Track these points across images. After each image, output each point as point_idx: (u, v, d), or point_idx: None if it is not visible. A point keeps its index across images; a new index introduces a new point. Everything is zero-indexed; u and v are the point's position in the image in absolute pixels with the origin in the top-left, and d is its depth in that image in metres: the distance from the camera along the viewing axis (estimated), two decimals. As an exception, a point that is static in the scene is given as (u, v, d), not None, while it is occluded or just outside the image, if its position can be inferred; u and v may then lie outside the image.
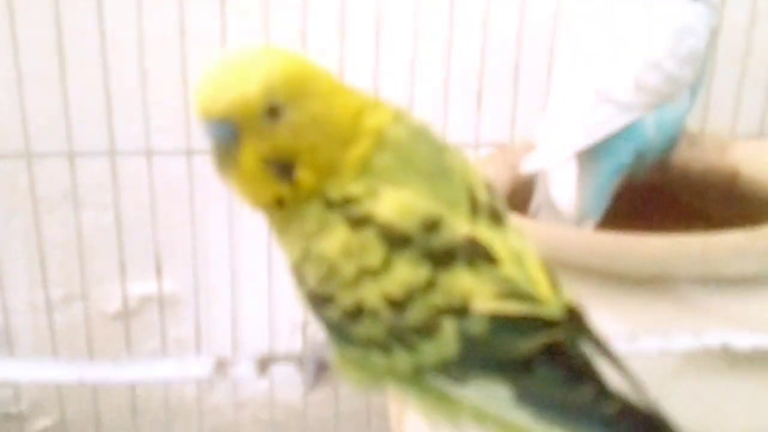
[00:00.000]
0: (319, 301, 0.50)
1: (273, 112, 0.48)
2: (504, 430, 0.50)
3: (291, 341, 1.09)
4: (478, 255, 0.48)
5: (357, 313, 0.49)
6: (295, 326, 1.06)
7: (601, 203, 0.88)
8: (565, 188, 0.84)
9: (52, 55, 0.90)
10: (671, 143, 0.89)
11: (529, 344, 0.47)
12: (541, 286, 0.49)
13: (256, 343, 1.09)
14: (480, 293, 0.47)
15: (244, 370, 0.59)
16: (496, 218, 0.51)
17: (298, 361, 0.58)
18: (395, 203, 0.48)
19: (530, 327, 0.48)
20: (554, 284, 0.51)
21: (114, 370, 0.58)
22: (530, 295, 0.48)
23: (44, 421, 1.10)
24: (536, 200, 0.88)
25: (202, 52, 0.94)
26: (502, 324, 0.47)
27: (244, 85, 0.47)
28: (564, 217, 0.85)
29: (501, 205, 0.53)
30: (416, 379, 0.50)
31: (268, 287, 1.02)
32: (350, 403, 1.11)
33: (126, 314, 1.03)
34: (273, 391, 1.10)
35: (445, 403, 0.51)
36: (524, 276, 0.49)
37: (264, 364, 0.59)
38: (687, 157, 0.91)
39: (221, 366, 0.59)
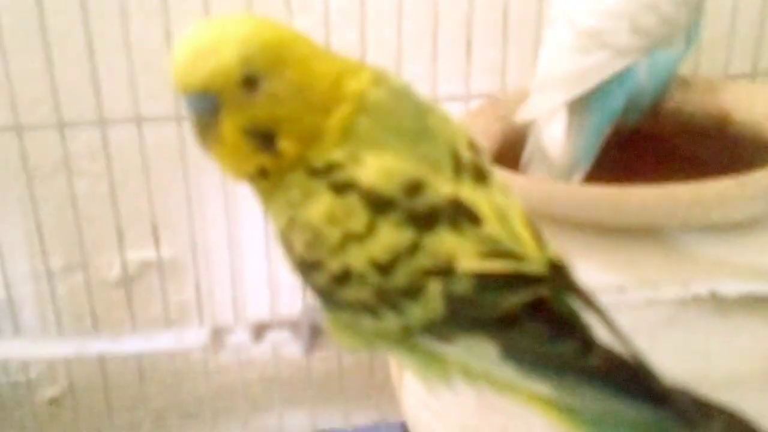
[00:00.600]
0: (307, 267, 0.51)
1: (251, 82, 0.48)
2: (492, 386, 0.52)
3: (292, 300, 1.10)
4: (461, 215, 0.48)
5: (344, 277, 0.49)
6: (296, 286, 1.06)
7: (592, 151, 0.87)
8: (555, 136, 0.84)
9: (34, 26, 0.89)
10: (664, 89, 0.88)
11: (513, 301, 0.48)
12: (526, 243, 0.50)
13: (257, 304, 1.10)
14: (464, 253, 0.48)
15: (240, 337, 0.59)
16: (480, 176, 0.51)
17: (294, 326, 0.59)
18: (377, 168, 0.48)
19: (514, 284, 0.48)
20: (539, 240, 0.51)
21: (112, 343, 0.59)
22: (514, 253, 0.49)
23: (53, 389, 1.12)
24: (528, 149, 0.88)
25: (186, 15, 0.93)
26: (487, 282, 0.48)
27: (220, 56, 0.47)
28: (555, 165, 0.85)
29: (485, 163, 0.53)
30: (405, 339, 0.51)
31: (266, 248, 1.03)
32: (353, 358, 1.13)
33: (126, 281, 1.04)
34: (277, 349, 1.12)
35: (434, 362, 0.52)
36: (508, 233, 0.49)
37: (259, 331, 0.59)
38: (678, 100, 0.90)
39: (217, 334, 0.60)
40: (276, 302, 1.07)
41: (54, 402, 1.11)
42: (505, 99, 0.91)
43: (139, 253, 1.05)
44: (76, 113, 0.94)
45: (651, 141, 0.93)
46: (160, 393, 1.13)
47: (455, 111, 1.01)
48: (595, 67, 0.83)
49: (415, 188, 0.48)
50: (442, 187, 0.49)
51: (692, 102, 0.89)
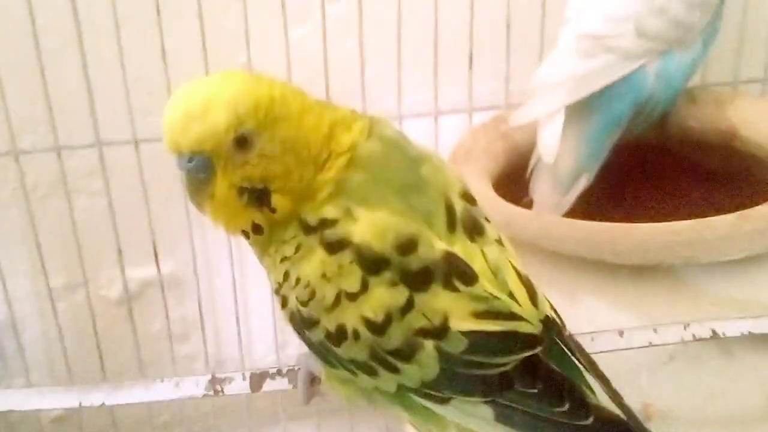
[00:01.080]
0: (302, 323, 0.50)
1: (242, 141, 0.47)
2: None
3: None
4: (455, 273, 0.48)
5: (339, 335, 0.49)
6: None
7: (596, 158, 0.85)
8: (549, 140, 0.81)
9: (29, 51, 0.88)
10: (675, 95, 0.86)
11: (506, 361, 0.48)
12: (519, 298, 0.49)
13: (260, 316, 1.09)
14: (458, 313, 0.47)
15: (237, 386, 0.59)
16: (474, 228, 0.50)
17: (291, 374, 0.59)
18: (371, 224, 0.47)
19: (508, 344, 0.48)
20: (533, 295, 0.51)
21: (112, 395, 0.59)
22: (508, 312, 0.48)
23: (58, 408, 1.12)
24: (534, 158, 0.86)
25: (180, 33, 0.91)
26: (481, 342, 0.47)
27: (211, 118, 0.46)
28: (556, 171, 0.83)
29: (479, 213, 0.52)
30: (402, 397, 0.51)
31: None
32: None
33: (128, 298, 1.03)
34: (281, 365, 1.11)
35: (431, 419, 0.52)
36: (502, 290, 0.49)
37: (257, 381, 0.59)
38: (685, 114, 0.88)
39: (215, 383, 0.59)
40: (280, 314, 1.06)
41: (58, 419, 1.11)
42: (506, 117, 0.89)
43: (140, 269, 1.05)
44: (73, 136, 0.93)
45: (660, 152, 0.92)
46: (165, 409, 1.13)
47: (459, 124, 1.00)
48: (598, 71, 0.80)
49: (408, 246, 0.47)
50: (436, 243, 0.48)
51: (699, 116, 0.87)
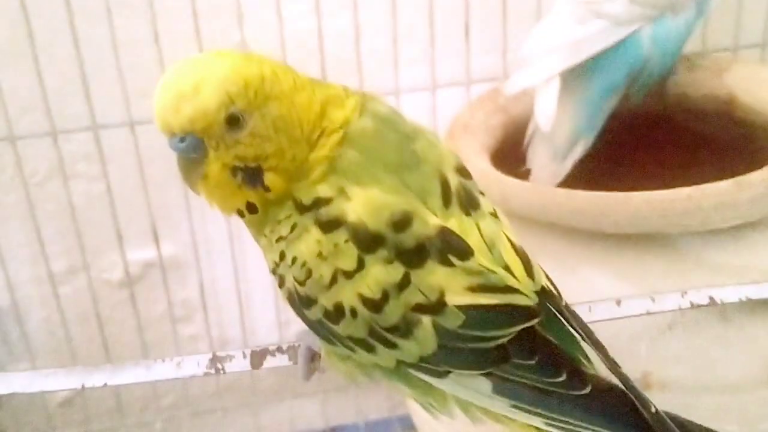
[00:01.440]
0: (299, 302, 0.50)
1: (234, 120, 0.47)
2: (487, 416, 0.52)
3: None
4: (450, 248, 0.47)
5: (337, 313, 0.49)
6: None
7: (593, 124, 0.85)
8: (546, 107, 0.81)
9: (23, 34, 0.88)
10: (672, 60, 0.85)
11: (503, 334, 0.48)
12: (515, 272, 0.49)
13: (262, 295, 1.09)
14: (453, 288, 0.47)
15: (238, 364, 0.59)
16: (469, 202, 0.50)
17: (291, 351, 0.59)
18: (365, 202, 0.47)
19: (504, 317, 0.48)
20: (528, 267, 0.50)
21: (112, 375, 0.59)
22: (503, 285, 0.48)
23: (64, 390, 1.12)
24: (530, 127, 0.86)
25: (172, 13, 0.90)
26: (477, 316, 0.47)
27: (201, 98, 0.46)
28: (552, 139, 0.83)
29: (474, 187, 0.52)
30: (401, 372, 0.51)
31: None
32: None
33: (130, 281, 1.03)
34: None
35: (431, 392, 0.52)
36: (498, 263, 0.49)
37: (258, 358, 0.59)
38: (684, 81, 0.87)
39: (216, 362, 0.59)
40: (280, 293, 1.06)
41: (65, 403, 1.11)
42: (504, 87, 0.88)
43: (141, 252, 1.05)
44: (69, 120, 0.93)
45: (659, 120, 0.91)
46: (170, 391, 1.13)
47: (456, 97, 0.99)
48: (591, 37, 0.80)
49: (403, 222, 0.47)
50: (431, 219, 0.48)
51: (698, 83, 0.87)
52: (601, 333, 0.62)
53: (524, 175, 0.84)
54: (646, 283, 0.64)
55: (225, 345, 1.14)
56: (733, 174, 0.72)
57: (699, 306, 0.60)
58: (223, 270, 1.06)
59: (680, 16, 0.82)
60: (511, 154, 0.84)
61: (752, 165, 0.71)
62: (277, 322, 1.12)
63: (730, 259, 0.65)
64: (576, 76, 0.81)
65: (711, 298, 0.60)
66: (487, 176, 0.72)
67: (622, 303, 0.60)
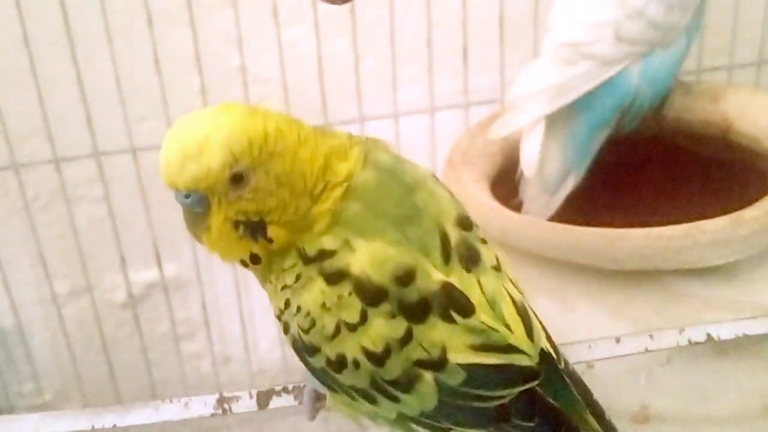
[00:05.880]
0: (303, 349, 0.51)
1: (237, 178, 0.47)
2: None
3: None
4: (452, 304, 0.48)
5: (340, 364, 0.49)
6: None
7: (583, 159, 0.86)
8: (530, 152, 0.82)
9: (24, 65, 0.88)
10: (663, 92, 0.86)
11: (504, 394, 0.49)
12: (516, 331, 0.50)
13: (264, 312, 1.10)
14: (456, 345, 0.48)
15: (245, 404, 0.60)
16: (469, 258, 0.51)
17: (297, 391, 0.60)
18: (369, 255, 0.48)
19: (505, 377, 0.49)
20: (529, 326, 0.51)
21: (121, 417, 0.60)
22: (505, 344, 0.49)
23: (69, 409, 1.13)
24: (521, 161, 0.86)
25: (172, 40, 0.91)
26: (479, 375, 0.48)
27: (206, 158, 0.46)
28: (542, 175, 0.84)
29: (476, 239, 0.52)
30: (402, 424, 0.52)
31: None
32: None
33: (133, 302, 1.04)
34: (288, 358, 1.13)
35: None
36: (499, 322, 0.49)
37: (264, 399, 0.60)
38: (680, 106, 0.88)
39: (223, 402, 0.60)
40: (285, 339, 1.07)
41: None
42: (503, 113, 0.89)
43: (144, 273, 1.06)
44: (71, 147, 0.93)
45: (655, 144, 0.92)
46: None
47: (455, 119, 1.00)
48: (578, 78, 0.80)
49: (406, 277, 0.48)
50: (434, 273, 0.48)
51: (694, 109, 0.87)
52: (599, 366, 0.64)
53: (517, 206, 0.85)
54: (643, 319, 0.65)
55: (227, 361, 1.15)
56: (729, 197, 0.73)
57: (696, 343, 0.61)
58: (225, 287, 1.07)
59: (671, 49, 0.82)
60: (510, 181, 0.85)
61: (749, 189, 0.72)
62: (278, 339, 1.13)
63: (726, 294, 0.66)
64: (565, 112, 0.81)
65: (708, 335, 0.61)
66: (486, 210, 0.73)
67: (621, 340, 0.61)
